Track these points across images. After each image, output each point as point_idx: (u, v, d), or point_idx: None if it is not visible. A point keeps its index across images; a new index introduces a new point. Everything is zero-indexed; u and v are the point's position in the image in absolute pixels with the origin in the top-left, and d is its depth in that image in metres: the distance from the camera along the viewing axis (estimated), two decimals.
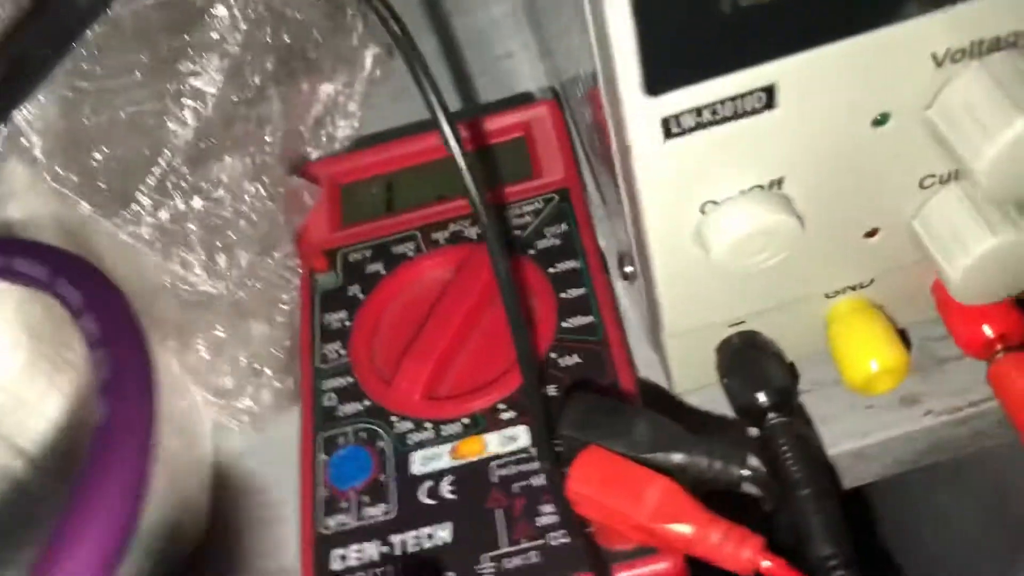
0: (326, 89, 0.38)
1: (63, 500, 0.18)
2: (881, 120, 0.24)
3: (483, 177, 0.37)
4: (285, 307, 0.34)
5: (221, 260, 0.31)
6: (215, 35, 0.28)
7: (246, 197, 0.30)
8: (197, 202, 0.30)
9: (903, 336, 0.32)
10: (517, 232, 0.36)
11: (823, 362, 0.31)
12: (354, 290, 0.36)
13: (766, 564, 0.24)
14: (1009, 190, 0.23)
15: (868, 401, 0.33)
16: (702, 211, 0.25)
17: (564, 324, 0.33)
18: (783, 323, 0.30)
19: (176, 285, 0.31)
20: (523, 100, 0.44)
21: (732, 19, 0.21)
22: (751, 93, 0.23)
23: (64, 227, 0.29)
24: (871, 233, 0.28)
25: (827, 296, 0.30)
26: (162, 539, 0.31)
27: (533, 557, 0.28)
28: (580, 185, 0.38)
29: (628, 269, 0.32)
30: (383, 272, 0.36)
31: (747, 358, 0.30)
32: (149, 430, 0.18)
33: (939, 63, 0.23)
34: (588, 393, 0.29)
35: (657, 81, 0.22)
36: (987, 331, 0.29)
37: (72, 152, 0.29)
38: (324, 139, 0.40)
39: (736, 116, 0.23)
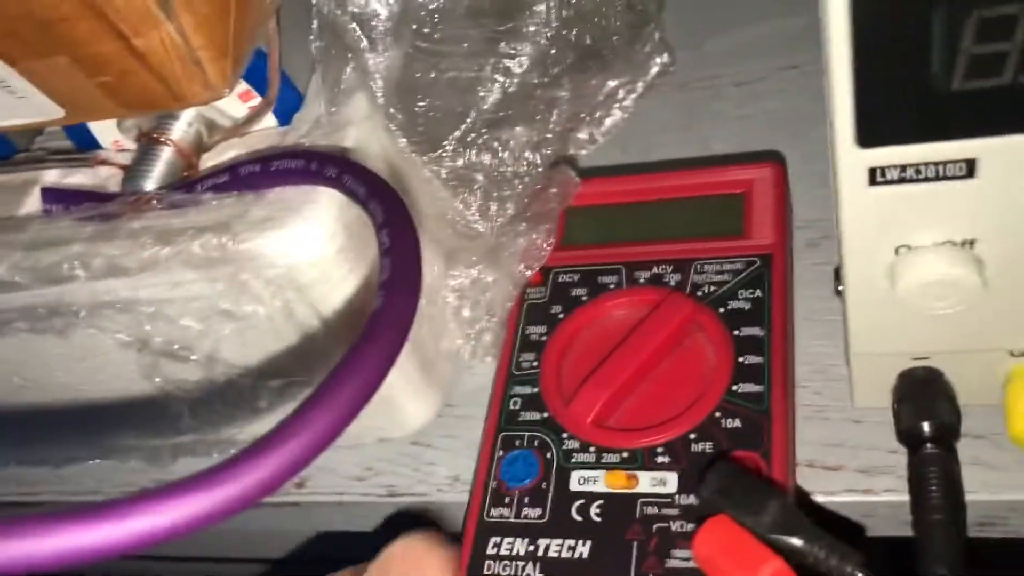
0: (610, 84, 0.44)
1: (337, 357, 0.25)
2: None
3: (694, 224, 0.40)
4: (527, 272, 0.39)
5: (493, 207, 0.38)
6: (532, 27, 0.35)
7: (525, 163, 0.37)
8: (487, 157, 0.36)
9: None
10: (712, 288, 0.37)
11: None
12: (557, 308, 0.39)
13: None
14: None
15: None
16: (896, 252, 0.29)
17: (734, 387, 0.34)
18: (966, 368, 0.33)
19: (455, 219, 0.38)
20: (759, 158, 0.42)
21: (942, 97, 0.25)
22: (953, 162, 0.26)
23: (385, 155, 0.37)
24: None
25: (1012, 354, 0.32)
26: None
27: None
28: (785, 253, 0.38)
29: (840, 287, 0.35)
30: (585, 298, 0.39)
31: (922, 390, 0.33)
32: (409, 321, 0.25)
33: None
34: (733, 465, 0.32)
35: (868, 136, 0.26)
36: None
37: (403, 97, 0.36)
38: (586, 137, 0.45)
39: (936, 178, 0.26)
